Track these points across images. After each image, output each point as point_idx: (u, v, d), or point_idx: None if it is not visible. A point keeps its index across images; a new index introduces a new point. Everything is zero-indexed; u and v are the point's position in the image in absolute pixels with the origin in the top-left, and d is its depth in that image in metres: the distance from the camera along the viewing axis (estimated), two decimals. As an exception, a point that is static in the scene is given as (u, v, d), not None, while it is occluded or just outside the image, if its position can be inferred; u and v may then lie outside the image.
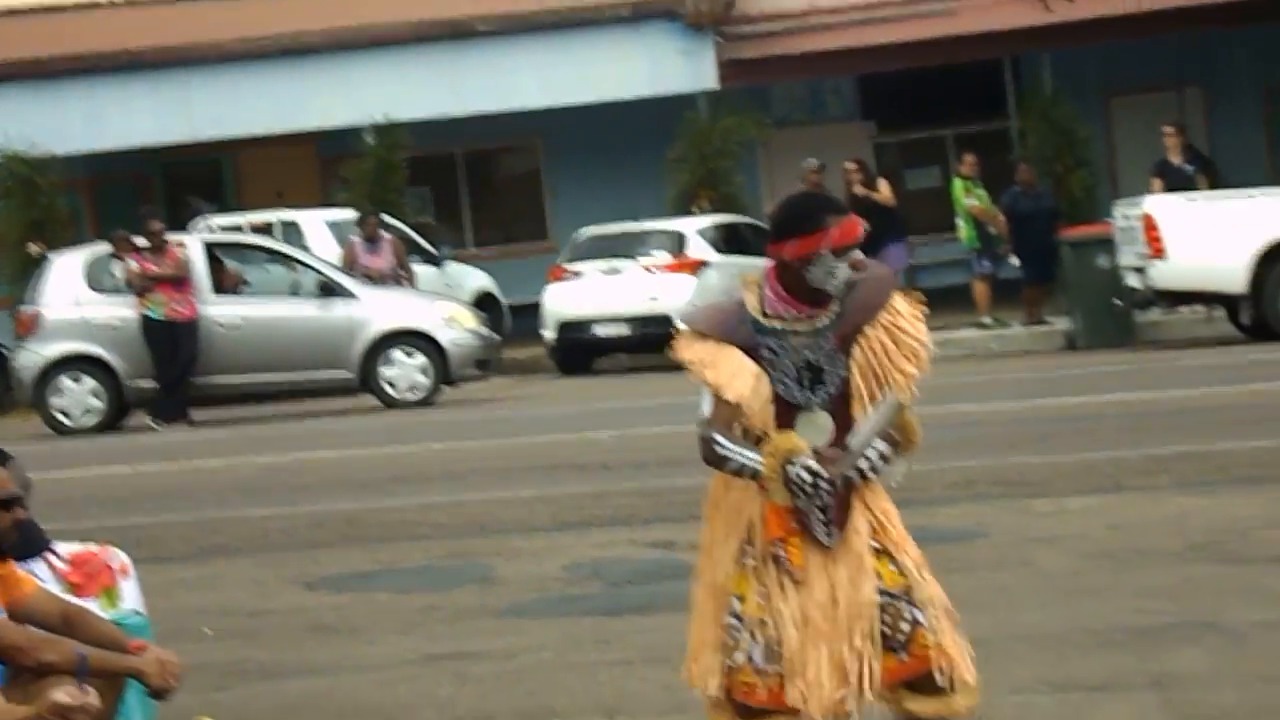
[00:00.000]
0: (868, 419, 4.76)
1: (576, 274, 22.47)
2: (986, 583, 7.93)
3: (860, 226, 4.81)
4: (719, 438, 4.81)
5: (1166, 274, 19.02)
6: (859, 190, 21.93)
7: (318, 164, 29.30)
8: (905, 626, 4.77)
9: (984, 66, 27.00)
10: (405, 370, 19.56)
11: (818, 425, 4.79)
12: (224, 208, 27.83)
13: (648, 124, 26.47)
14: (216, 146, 28.27)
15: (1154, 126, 22.74)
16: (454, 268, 25.31)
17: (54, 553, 6.29)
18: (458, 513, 11.01)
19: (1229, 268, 18.86)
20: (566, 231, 25.23)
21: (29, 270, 22.22)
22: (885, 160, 27.62)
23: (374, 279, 20.77)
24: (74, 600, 5.83)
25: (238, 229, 23.50)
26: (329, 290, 19.78)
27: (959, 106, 27.62)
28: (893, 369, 4.79)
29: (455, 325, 19.88)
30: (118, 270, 19.61)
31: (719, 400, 4.81)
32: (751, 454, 4.76)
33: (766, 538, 4.80)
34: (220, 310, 19.64)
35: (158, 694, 5.58)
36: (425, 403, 19.34)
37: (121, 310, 19.39)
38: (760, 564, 4.81)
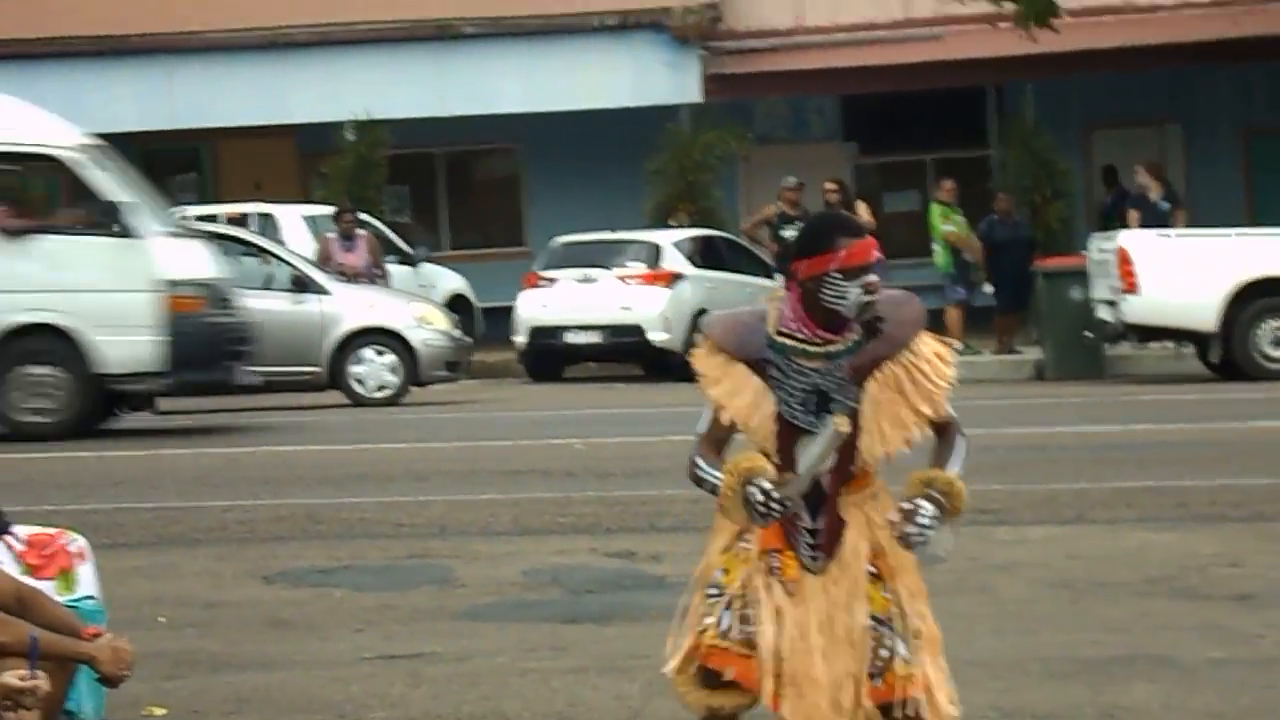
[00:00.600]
0: (812, 444, 4.72)
1: (550, 281, 22.48)
2: (943, 607, 7.87)
3: (873, 249, 4.73)
4: (699, 460, 4.79)
5: (1138, 309, 19.09)
6: (835, 208, 21.96)
7: (298, 158, 29.27)
8: (884, 654, 4.75)
9: (967, 93, 27.09)
10: (374, 369, 19.54)
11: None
12: (201, 198, 27.78)
13: (629, 134, 26.50)
14: (196, 135, 28.23)
15: (1133, 161, 22.85)
16: (429, 268, 25.29)
17: (12, 534, 6.27)
18: (419, 513, 10.99)
19: (1201, 305, 18.93)
20: (543, 238, 25.24)
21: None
22: (865, 182, 27.67)
23: (348, 276, 20.74)
24: (30, 582, 5.81)
25: (213, 219, 23.45)
26: (302, 285, 19.76)
27: (940, 132, 27.69)
28: (904, 409, 4.74)
29: (427, 326, 19.87)
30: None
31: (716, 417, 4.79)
32: (721, 474, 4.75)
33: (761, 546, 4.79)
34: (192, 300, 19.56)
35: (109, 681, 5.55)
36: (393, 402, 19.32)
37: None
38: (755, 556, 4.78)
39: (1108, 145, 27.69)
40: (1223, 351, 19.19)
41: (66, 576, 6.32)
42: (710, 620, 4.77)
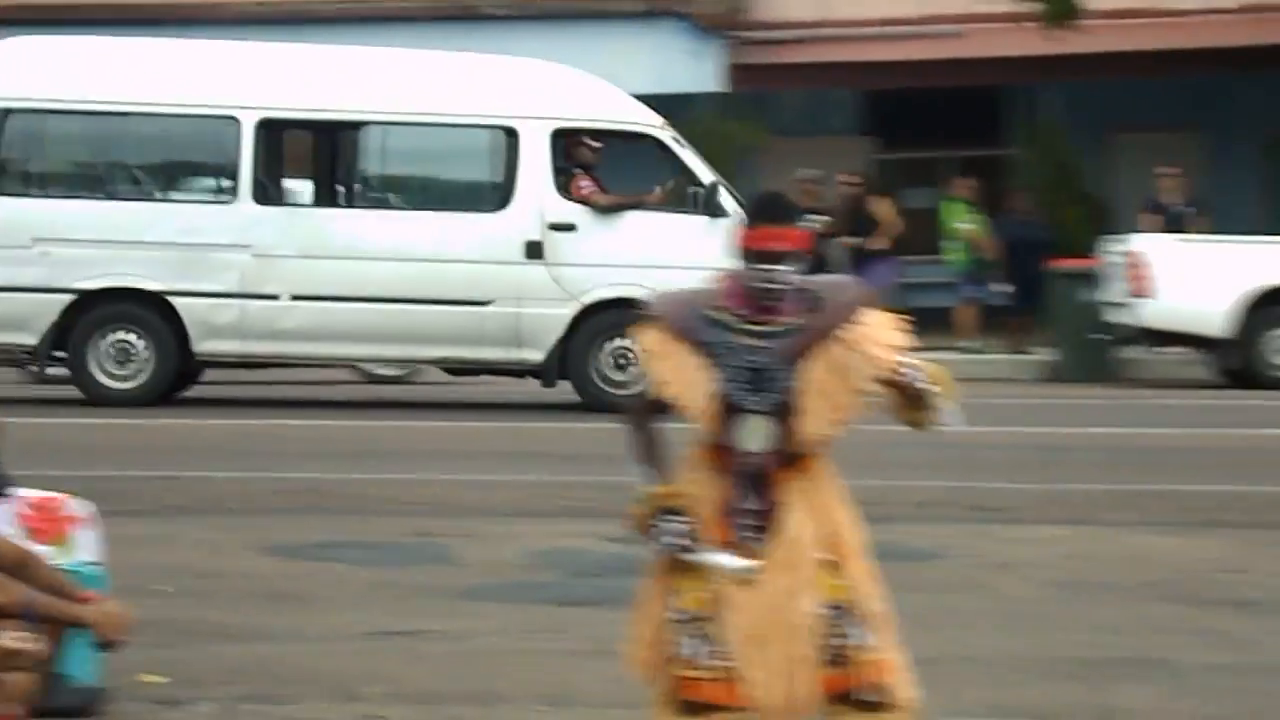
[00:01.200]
0: (722, 558, 4.73)
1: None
2: (940, 603, 7.93)
3: (773, 237, 4.72)
4: (634, 433, 4.87)
5: (1152, 313, 19.04)
6: (853, 201, 21.90)
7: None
8: (842, 641, 4.75)
9: (988, 92, 27.01)
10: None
11: (756, 430, 4.76)
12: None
13: (650, 122, 26.41)
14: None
15: (1153, 165, 22.78)
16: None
17: (13, 496, 6.29)
18: (422, 491, 11.00)
19: (1216, 312, 18.88)
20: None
21: None
22: (883, 177, 27.62)
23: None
24: (29, 545, 5.82)
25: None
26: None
27: (960, 130, 27.62)
28: (842, 391, 4.74)
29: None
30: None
31: (658, 393, 4.82)
32: (645, 473, 4.83)
33: (707, 535, 4.79)
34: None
35: (104, 645, 5.57)
36: (405, 380, 19.30)
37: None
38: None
39: (1128, 149, 27.61)
40: (1237, 359, 19.15)
41: (67, 541, 6.34)
42: (678, 650, 4.78)
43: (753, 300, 4.77)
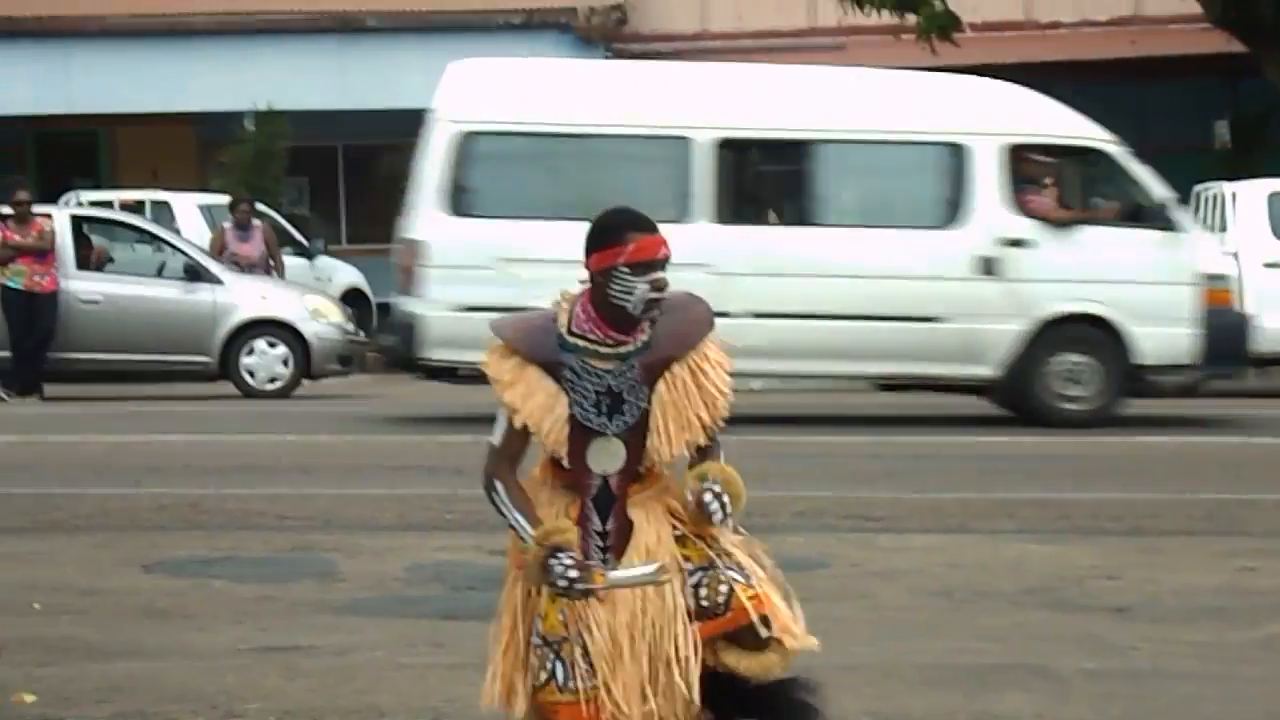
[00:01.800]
0: (633, 569, 4.67)
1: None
2: (822, 612, 7.90)
3: (662, 245, 4.70)
4: (498, 488, 4.75)
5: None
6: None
7: (196, 146, 29.05)
8: (723, 588, 4.73)
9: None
10: (266, 360, 19.42)
11: (611, 452, 4.73)
12: (98, 184, 27.52)
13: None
14: (93, 121, 27.97)
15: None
16: (325, 261, 25.17)
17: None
18: (303, 506, 10.93)
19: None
20: (441, 234, 25.10)
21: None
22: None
23: (242, 266, 20.60)
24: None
25: (108, 205, 23.25)
26: (195, 274, 19.61)
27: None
28: (690, 411, 4.71)
29: (320, 319, 19.76)
30: (-20, 237, 19.36)
31: (511, 425, 4.74)
32: (524, 522, 4.71)
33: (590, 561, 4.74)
34: (82, 286, 19.41)
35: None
36: (284, 395, 19.20)
37: (-20, 279, 19.13)
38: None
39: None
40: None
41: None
42: (544, 674, 4.74)
43: (608, 319, 4.70)
